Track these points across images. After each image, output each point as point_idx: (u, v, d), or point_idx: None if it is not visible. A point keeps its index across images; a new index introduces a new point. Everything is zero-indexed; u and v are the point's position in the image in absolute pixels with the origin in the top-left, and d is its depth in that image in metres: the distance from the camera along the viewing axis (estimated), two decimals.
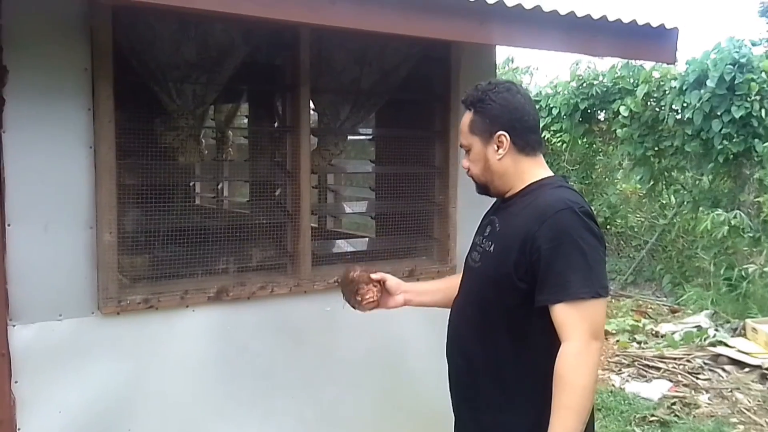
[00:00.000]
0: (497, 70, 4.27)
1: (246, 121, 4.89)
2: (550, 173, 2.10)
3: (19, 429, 2.45)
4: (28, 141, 2.43)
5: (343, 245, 3.56)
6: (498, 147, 2.04)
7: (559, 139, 10.42)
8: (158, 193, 2.79)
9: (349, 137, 3.68)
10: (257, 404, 2.96)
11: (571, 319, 1.85)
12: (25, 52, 2.39)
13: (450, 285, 2.31)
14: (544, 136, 10.35)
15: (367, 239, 3.72)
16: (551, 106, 10.02)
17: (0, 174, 2.38)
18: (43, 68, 2.44)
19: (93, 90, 2.51)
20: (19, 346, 2.44)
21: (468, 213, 3.47)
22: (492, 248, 2.05)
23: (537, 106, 10.06)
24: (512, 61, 11.40)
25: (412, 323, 3.20)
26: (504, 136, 2.02)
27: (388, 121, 3.76)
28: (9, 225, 2.41)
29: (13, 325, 2.43)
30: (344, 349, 3.16)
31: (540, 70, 11.07)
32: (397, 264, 3.33)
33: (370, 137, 4.09)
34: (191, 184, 4.32)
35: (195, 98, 2.97)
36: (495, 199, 2.20)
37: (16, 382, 2.44)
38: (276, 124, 3.67)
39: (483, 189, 2.15)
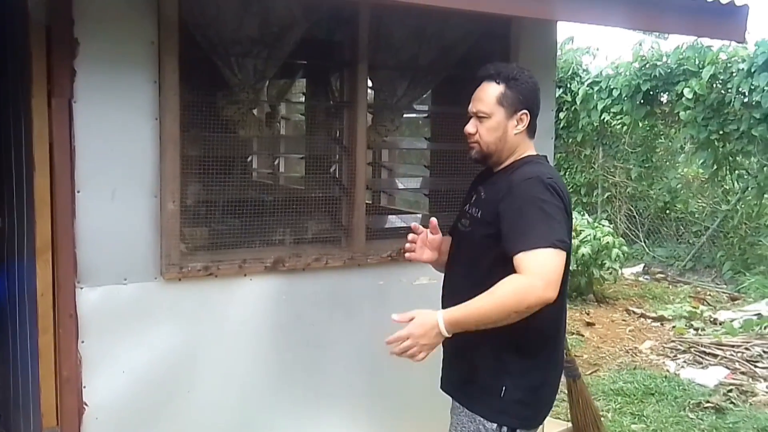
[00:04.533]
0: (557, 50, 4.20)
1: (300, 98, 4.94)
2: (535, 153, 2.32)
3: (84, 387, 2.57)
4: (97, 111, 2.52)
5: (396, 221, 3.58)
6: (518, 123, 2.24)
7: (619, 121, 10.18)
8: (219, 165, 2.87)
9: (404, 116, 3.69)
10: (311, 373, 3.03)
11: (526, 263, 2.00)
12: (95, 25, 2.48)
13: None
14: (604, 118, 10.15)
15: (420, 215, 3.74)
16: (612, 87, 9.79)
17: (70, 142, 2.48)
18: (112, 41, 2.52)
19: (159, 63, 2.58)
20: (86, 307, 2.55)
21: None
22: (479, 214, 2.28)
23: (597, 87, 9.94)
24: (572, 41, 11.11)
25: None
26: (525, 115, 2.25)
27: (444, 98, 3.76)
28: (78, 192, 2.51)
29: (81, 288, 2.54)
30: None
31: (601, 51, 10.67)
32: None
33: (426, 114, 4.09)
34: (249, 159, 4.40)
35: (256, 73, 3.03)
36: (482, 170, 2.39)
37: (82, 342, 2.56)
38: (332, 101, 3.71)
39: (483, 158, 2.31)
